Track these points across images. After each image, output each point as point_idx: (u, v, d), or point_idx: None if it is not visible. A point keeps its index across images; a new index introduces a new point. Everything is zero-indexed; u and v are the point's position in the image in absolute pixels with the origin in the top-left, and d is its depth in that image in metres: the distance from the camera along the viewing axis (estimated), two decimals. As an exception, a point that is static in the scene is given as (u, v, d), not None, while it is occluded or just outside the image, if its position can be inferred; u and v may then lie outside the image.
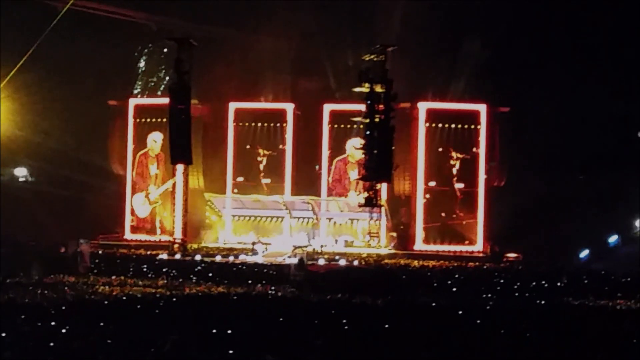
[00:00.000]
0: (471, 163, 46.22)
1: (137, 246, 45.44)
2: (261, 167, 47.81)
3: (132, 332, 20.13)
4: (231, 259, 40.50)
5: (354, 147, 46.83)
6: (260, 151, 47.79)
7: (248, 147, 47.65)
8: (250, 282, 31.16)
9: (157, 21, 51.04)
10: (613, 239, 45.95)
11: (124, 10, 50.25)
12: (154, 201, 48.46)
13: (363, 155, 44.52)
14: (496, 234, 45.60)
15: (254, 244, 43.42)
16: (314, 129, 47.85)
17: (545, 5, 46.37)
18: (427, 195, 46.27)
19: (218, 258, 40.51)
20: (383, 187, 44.94)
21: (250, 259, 40.68)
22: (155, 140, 48.54)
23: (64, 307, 23.58)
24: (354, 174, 47.25)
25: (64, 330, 19.91)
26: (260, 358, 17.86)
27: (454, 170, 46.21)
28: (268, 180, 47.59)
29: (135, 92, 50.90)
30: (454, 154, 46.16)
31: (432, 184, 46.26)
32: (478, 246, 45.80)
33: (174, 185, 44.83)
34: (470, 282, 33.39)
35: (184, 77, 42.45)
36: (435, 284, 32.22)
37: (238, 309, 24.86)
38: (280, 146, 47.71)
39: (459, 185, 46.20)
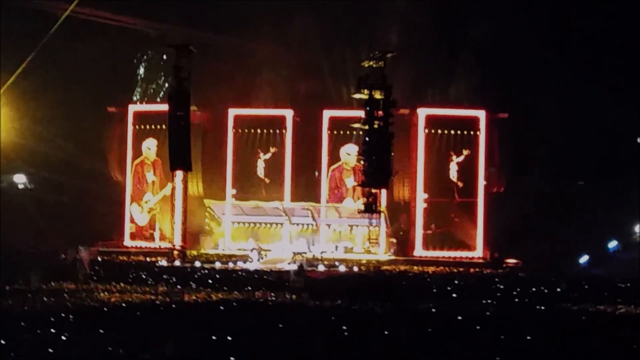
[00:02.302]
0: (470, 169, 46.20)
1: (136, 253, 45.41)
2: (261, 169, 47.70)
3: (131, 339, 20.09)
4: (230, 265, 40.52)
5: (347, 154, 46.88)
6: (261, 155, 47.70)
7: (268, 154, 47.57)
8: (249, 288, 31.13)
9: (156, 28, 51.08)
10: (613, 244, 45.94)
11: (123, 17, 50.28)
12: (152, 209, 48.42)
13: (357, 162, 44.60)
14: (496, 239, 45.57)
15: (253, 250, 43.41)
16: (313, 135, 47.82)
17: (544, 11, 46.43)
18: (426, 201, 46.26)
19: (218, 265, 40.50)
20: (382, 193, 44.88)
21: (247, 265, 40.59)
22: (149, 147, 48.52)
23: (63, 314, 23.54)
24: (350, 181, 47.25)
25: (63, 337, 19.88)
26: None
27: (453, 176, 46.19)
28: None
29: (135, 98, 50.89)
30: (453, 160, 46.14)
31: (432, 190, 46.23)
32: (478, 252, 45.76)
33: (172, 191, 44.76)
34: (470, 288, 33.35)
35: (183, 84, 42.45)
36: (434, 290, 32.18)
37: (238, 316, 24.82)
38: (272, 149, 47.49)
39: (458, 191, 46.15)
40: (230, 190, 47.80)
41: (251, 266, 40.30)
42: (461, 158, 45.96)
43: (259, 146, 47.76)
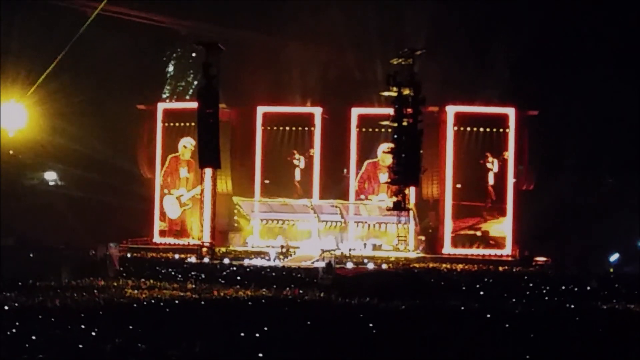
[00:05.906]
0: (500, 166, 46.01)
1: (165, 250, 45.59)
2: (297, 171, 47.82)
3: (160, 335, 20.19)
4: (252, 262, 40.37)
5: (384, 152, 46.78)
6: (296, 155, 47.78)
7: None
8: (278, 285, 31.14)
9: (186, 26, 51.28)
10: (644, 242, 45.58)
11: (153, 15, 50.51)
12: (185, 204, 48.64)
13: (392, 160, 44.59)
14: (525, 237, 45.34)
15: (282, 247, 43.47)
16: (342, 133, 47.80)
17: (574, 9, 46.10)
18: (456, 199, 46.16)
19: (246, 262, 40.52)
20: (411, 191, 44.76)
21: (264, 263, 40.36)
22: (186, 146, 48.75)
23: (93, 310, 23.68)
24: (384, 177, 47.14)
25: (93, 333, 20.01)
26: None
27: (482, 174, 46.00)
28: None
29: (164, 96, 51.14)
30: (482, 158, 45.95)
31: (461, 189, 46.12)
32: (507, 250, 45.55)
33: (202, 190, 44.88)
34: (499, 286, 33.17)
35: (212, 81, 42.50)
36: (463, 288, 32.04)
37: (266, 313, 24.84)
38: (311, 151, 47.70)
39: (488, 189, 45.96)
40: (259, 188, 47.90)
41: (269, 264, 40.04)
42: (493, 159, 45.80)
43: (292, 147, 47.78)
